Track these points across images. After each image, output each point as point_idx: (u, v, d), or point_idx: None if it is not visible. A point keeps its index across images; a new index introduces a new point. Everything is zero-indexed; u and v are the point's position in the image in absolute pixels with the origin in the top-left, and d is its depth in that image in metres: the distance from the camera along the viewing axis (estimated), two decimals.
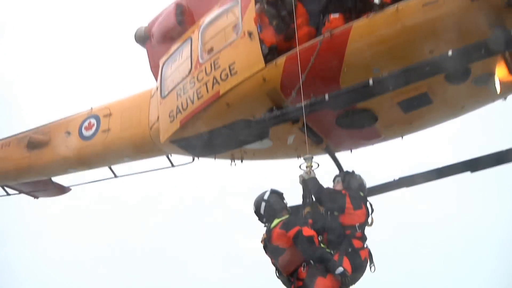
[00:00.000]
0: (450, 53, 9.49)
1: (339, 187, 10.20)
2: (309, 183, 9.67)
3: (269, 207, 9.63)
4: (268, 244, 9.46)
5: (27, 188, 16.62)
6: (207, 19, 12.57)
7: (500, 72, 10.48)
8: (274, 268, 9.61)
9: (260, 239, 9.69)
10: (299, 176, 9.86)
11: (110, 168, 15.13)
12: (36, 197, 17.03)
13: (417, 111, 11.34)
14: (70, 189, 16.81)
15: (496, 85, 10.64)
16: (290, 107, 10.73)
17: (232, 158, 13.13)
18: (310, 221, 9.35)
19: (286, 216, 9.46)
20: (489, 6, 9.28)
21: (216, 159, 13.41)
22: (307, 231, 8.94)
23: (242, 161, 13.25)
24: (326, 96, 10.33)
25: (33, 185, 16.49)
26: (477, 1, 9.15)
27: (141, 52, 14.68)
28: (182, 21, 13.37)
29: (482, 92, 11.13)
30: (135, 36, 14.53)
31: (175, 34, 13.43)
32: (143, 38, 14.43)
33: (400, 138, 12.57)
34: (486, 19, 9.46)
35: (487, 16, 9.43)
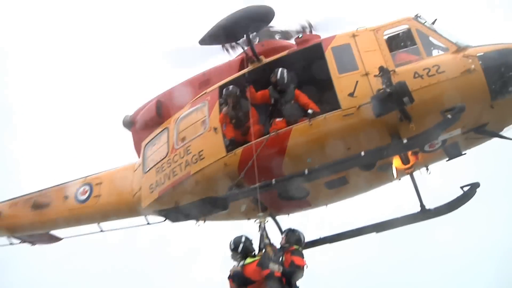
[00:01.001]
0: (362, 153, 10.78)
1: (283, 241, 10.71)
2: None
3: (245, 248, 10.20)
4: (239, 275, 9.95)
5: (27, 238, 16.39)
6: (181, 114, 13.23)
7: (396, 162, 11.83)
8: None
9: (230, 270, 10.11)
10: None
11: (98, 225, 15.10)
12: (33, 244, 16.77)
13: (337, 188, 12.40)
14: (62, 239, 16.58)
15: (393, 171, 12.04)
16: (246, 188, 11.50)
17: (197, 220, 13.54)
18: None
19: (258, 258, 9.99)
20: (388, 120, 10.68)
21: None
22: (277, 273, 9.59)
23: (204, 222, 13.60)
24: (273, 181, 11.27)
25: (32, 235, 16.27)
26: (379, 117, 10.53)
27: (127, 134, 15.06)
28: (161, 114, 13.84)
29: (384, 176, 12.40)
30: (122, 121, 14.88)
31: (155, 123, 13.89)
32: (128, 123, 14.80)
33: (325, 206, 13.56)
34: (386, 129, 10.87)
35: (387, 127, 10.85)
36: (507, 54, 10.80)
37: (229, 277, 10.12)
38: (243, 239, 10.33)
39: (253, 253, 10.28)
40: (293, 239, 10.63)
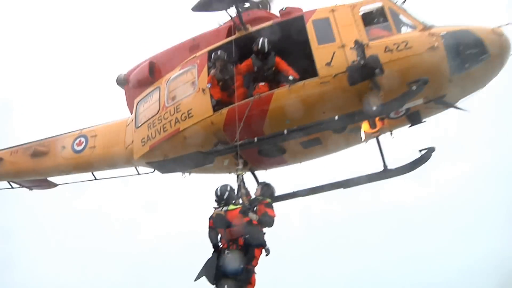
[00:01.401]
0: (336, 117, 11.19)
1: (258, 192, 11.41)
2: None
3: (230, 196, 10.67)
4: (221, 218, 10.42)
5: (25, 183, 16.49)
6: (172, 75, 13.30)
7: (365, 126, 12.25)
8: (211, 232, 10.59)
9: (213, 212, 10.61)
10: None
11: (93, 174, 15.32)
12: (31, 189, 16.78)
13: (312, 148, 12.81)
14: (57, 185, 16.58)
15: (362, 134, 12.52)
16: (229, 145, 11.82)
17: (184, 172, 13.76)
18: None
19: (239, 206, 10.51)
20: (360, 88, 11.04)
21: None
22: (255, 222, 10.33)
23: (190, 174, 13.84)
24: (255, 139, 11.64)
25: (30, 180, 16.36)
26: (353, 85, 10.93)
27: (120, 92, 15.03)
28: (153, 74, 13.87)
29: (353, 138, 12.85)
30: (116, 80, 14.84)
31: (147, 83, 13.91)
32: (122, 82, 14.75)
33: (300, 163, 13.89)
34: (358, 96, 11.21)
35: (359, 95, 11.19)
36: (466, 35, 11.25)
37: (211, 218, 10.66)
38: (228, 188, 10.79)
39: (234, 201, 10.75)
40: (268, 193, 11.38)
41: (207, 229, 10.67)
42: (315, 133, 11.95)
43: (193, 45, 13.67)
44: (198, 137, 12.39)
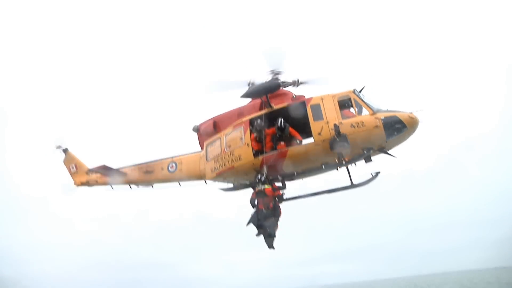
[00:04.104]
0: (323, 166, 16.13)
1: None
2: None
3: (265, 180, 15.78)
4: (262, 191, 15.47)
5: (137, 186, 20.14)
6: (228, 131, 17.69)
7: None
8: (253, 199, 15.65)
9: (256, 188, 15.68)
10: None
11: (179, 183, 19.45)
12: (138, 186, 20.08)
13: (309, 174, 17.48)
14: (153, 186, 20.19)
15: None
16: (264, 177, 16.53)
17: (235, 190, 18.15)
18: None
19: (270, 186, 15.70)
20: (338, 150, 15.82)
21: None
22: (279, 194, 15.62)
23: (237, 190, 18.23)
24: (279, 177, 16.63)
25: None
26: (332, 151, 15.73)
27: (194, 136, 19.22)
28: (216, 128, 18.20)
29: (333, 168, 17.37)
30: (192, 129, 19.00)
31: (212, 133, 18.24)
32: (196, 130, 18.93)
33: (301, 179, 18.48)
34: (336, 154, 16.03)
35: (333, 154, 15.99)
36: (394, 118, 15.97)
37: (253, 192, 15.81)
38: (264, 177, 15.96)
39: (267, 183, 15.83)
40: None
41: (250, 197, 15.77)
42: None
43: (240, 112, 17.99)
44: (244, 171, 17.05)
